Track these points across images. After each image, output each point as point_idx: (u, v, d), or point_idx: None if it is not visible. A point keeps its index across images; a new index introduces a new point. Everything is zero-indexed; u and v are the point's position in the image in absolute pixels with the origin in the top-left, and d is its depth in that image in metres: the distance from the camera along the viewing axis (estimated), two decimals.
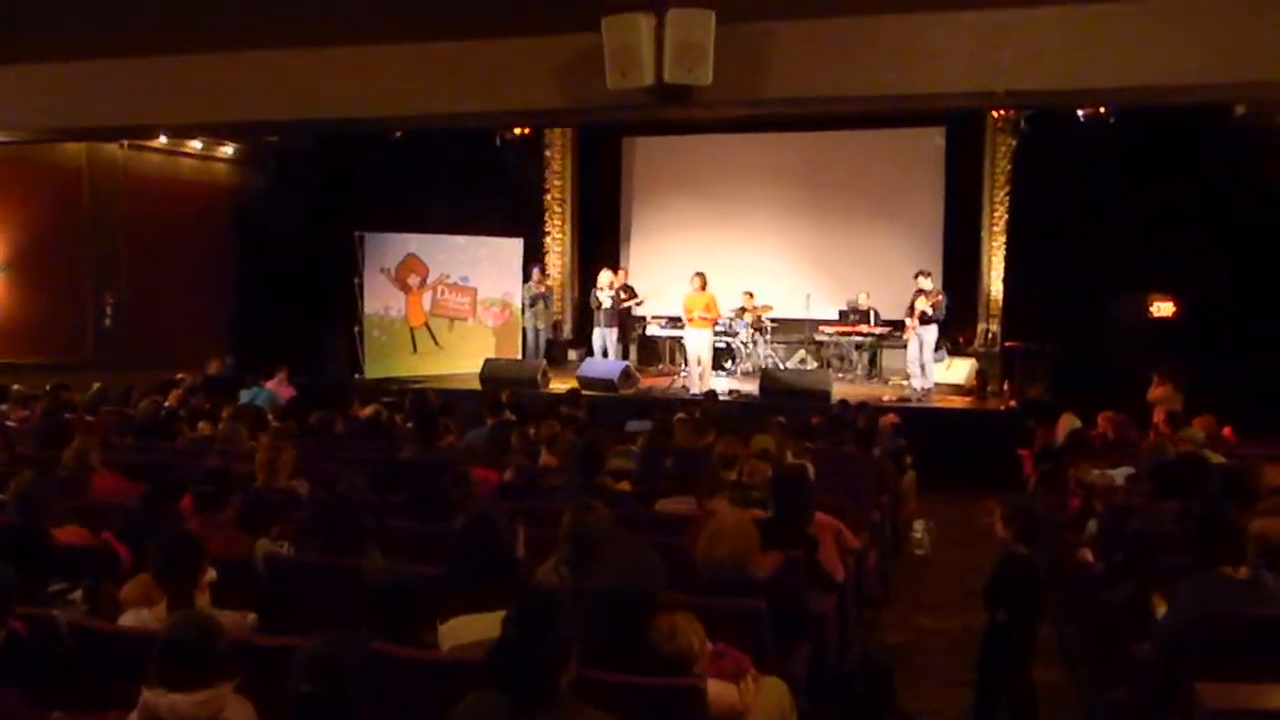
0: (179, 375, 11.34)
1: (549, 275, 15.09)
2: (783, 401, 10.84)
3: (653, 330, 14.11)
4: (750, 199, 14.90)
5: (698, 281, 12.21)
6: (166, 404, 9.53)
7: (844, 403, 10.01)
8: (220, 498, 4.51)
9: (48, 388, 9.74)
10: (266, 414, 8.64)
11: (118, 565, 4.05)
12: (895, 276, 13.36)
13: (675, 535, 4.33)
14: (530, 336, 14.20)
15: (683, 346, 12.94)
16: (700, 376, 12.22)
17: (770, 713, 3.08)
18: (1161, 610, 3.92)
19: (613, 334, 13.40)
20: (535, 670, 2.37)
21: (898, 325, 12.82)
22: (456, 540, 3.50)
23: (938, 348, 12.21)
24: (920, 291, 11.87)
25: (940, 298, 11.79)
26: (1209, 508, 3.97)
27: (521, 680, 2.37)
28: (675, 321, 13.38)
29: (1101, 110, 11.64)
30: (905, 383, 12.42)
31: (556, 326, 15.19)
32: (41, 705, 2.63)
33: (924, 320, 11.78)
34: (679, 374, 13.06)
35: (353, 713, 2.43)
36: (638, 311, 14.20)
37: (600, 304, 13.28)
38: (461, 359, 13.90)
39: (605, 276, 13.49)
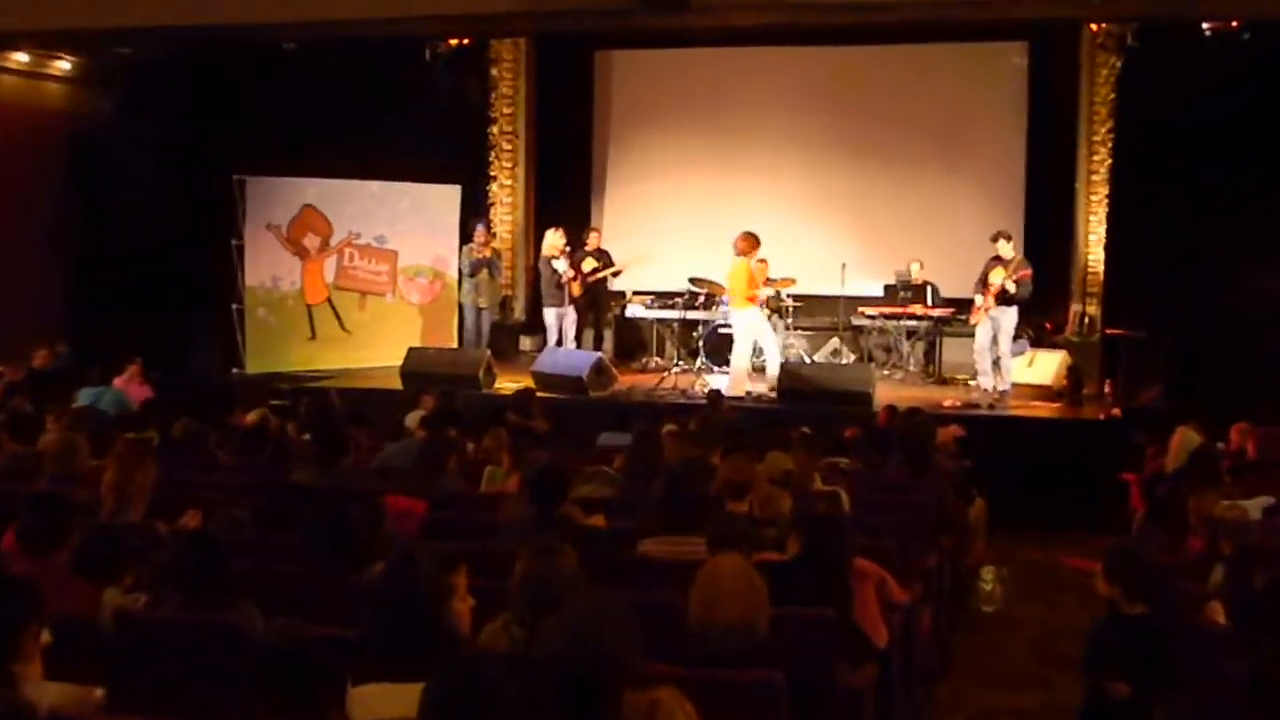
0: None
1: (496, 235, 15.09)
2: (809, 407, 10.92)
3: (634, 310, 14.13)
4: (765, 135, 14.91)
5: (758, 249, 11.92)
6: None
7: (890, 409, 10.08)
8: (54, 535, 4.50)
9: None
10: (114, 422, 8.63)
11: None
12: (959, 240, 13.42)
13: (664, 586, 4.38)
14: (470, 318, 14.22)
15: (673, 332, 12.96)
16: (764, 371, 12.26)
17: None
18: None
19: (569, 314, 13.44)
20: None
21: (963, 305, 12.87)
22: (373, 591, 3.54)
23: (1017, 336, 12.27)
24: (997, 260, 11.87)
25: (1026, 270, 11.80)
26: None
27: None
28: (664, 298, 13.41)
29: (1233, 24, 11.68)
30: (973, 383, 12.50)
31: (505, 304, 15.20)
32: None
33: (1002, 299, 11.80)
34: (671, 370, 13.10)
35: None
36: (614, 285, 14.21)
37: (557, 275, 13.27)
38: (377, 347, 13.91)
39: (554, 238, 13.46)
